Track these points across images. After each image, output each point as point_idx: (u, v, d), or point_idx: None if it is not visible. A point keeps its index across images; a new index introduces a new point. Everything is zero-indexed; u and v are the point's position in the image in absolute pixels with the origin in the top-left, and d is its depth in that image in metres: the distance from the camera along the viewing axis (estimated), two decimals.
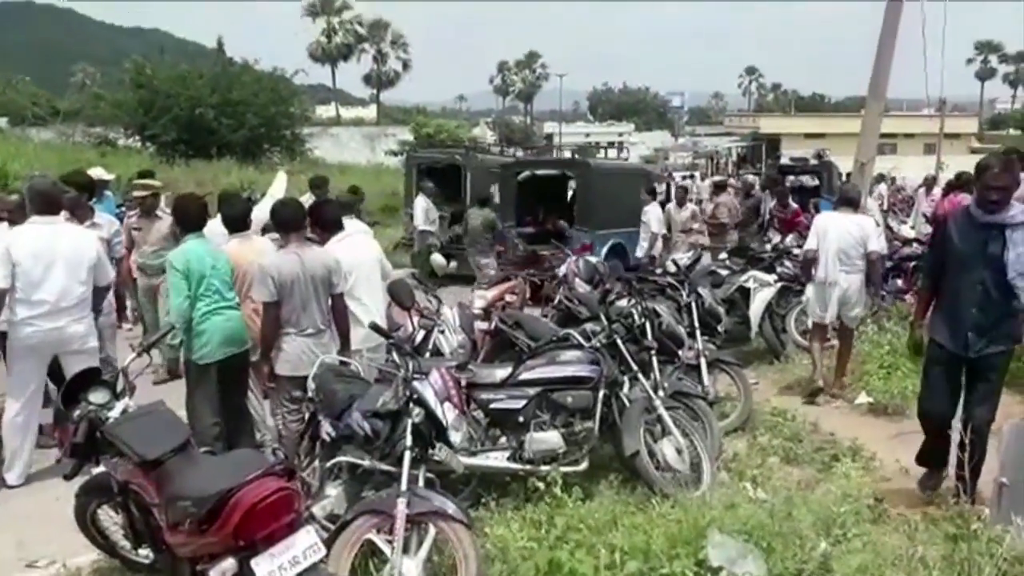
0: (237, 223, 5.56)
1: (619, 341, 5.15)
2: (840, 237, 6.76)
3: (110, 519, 3.91)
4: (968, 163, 26.52)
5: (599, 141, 65.48)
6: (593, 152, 58.50)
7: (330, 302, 5.01)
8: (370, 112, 70.72)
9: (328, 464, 4.01)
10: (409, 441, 3.77)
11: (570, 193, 14.44)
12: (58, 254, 5.15)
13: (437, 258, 10.06)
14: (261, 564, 2.83)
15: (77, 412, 3.50)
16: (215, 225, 5.57)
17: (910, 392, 6.44)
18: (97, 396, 3.61)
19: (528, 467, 4.70)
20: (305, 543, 2.95)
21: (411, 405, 3.83)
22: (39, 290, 5.09)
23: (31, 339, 5.15)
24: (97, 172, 11.07)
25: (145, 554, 3.73)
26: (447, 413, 3.97)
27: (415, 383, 3.92)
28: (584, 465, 4.77)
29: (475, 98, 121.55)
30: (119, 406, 3.59)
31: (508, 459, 4.76)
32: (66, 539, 4.24)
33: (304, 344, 4.83)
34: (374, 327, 4.42)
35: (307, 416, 4.84)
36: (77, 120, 33.21)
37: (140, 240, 7.75)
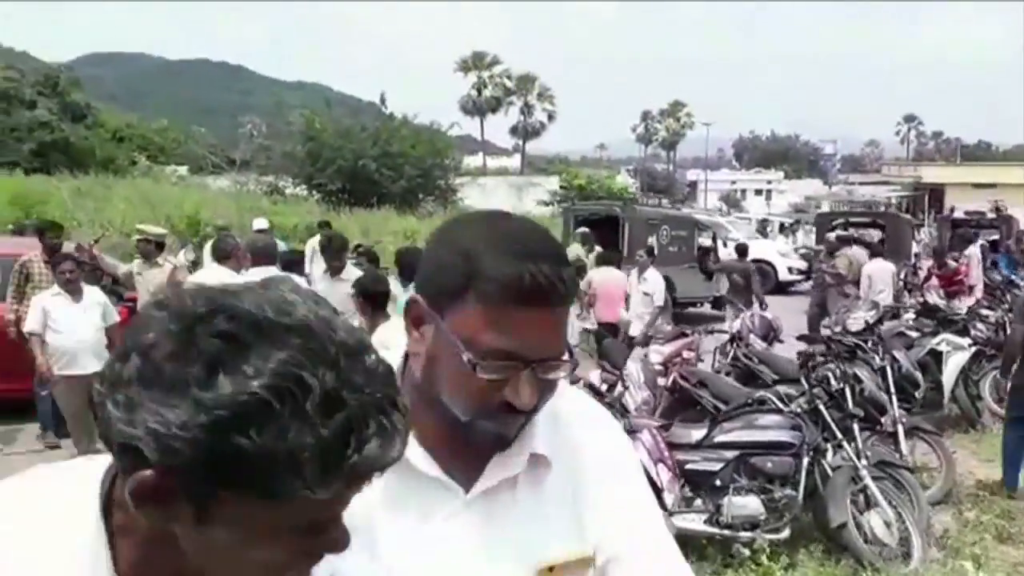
0: None
1: (821, 406, 4.99)
2: None
3: None
4: None
5: (745, 188, 64.14)
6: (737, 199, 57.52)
7: None
8: (513, 161, 72.42)
9: None
10: None
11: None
12: None
13: (626, 315, 10.03)
14: None
15: None
16: None
17: None
18: None
19: (727, 532, 4.61)
20: None
21: None
22: None
23: None
24: (258, 223, 11.94)
25: None
26: (661, 474, 3.97)
27: None
28: (786, 533, 4.63)
29: (616, 146, 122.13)
30: None
31: (705, 522, 4.69)
32: None
33: None
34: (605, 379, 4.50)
35: None
36: (249, 170, 35.96)
37: (142, 288, 7.36)
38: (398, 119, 32.38)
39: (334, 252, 6.86)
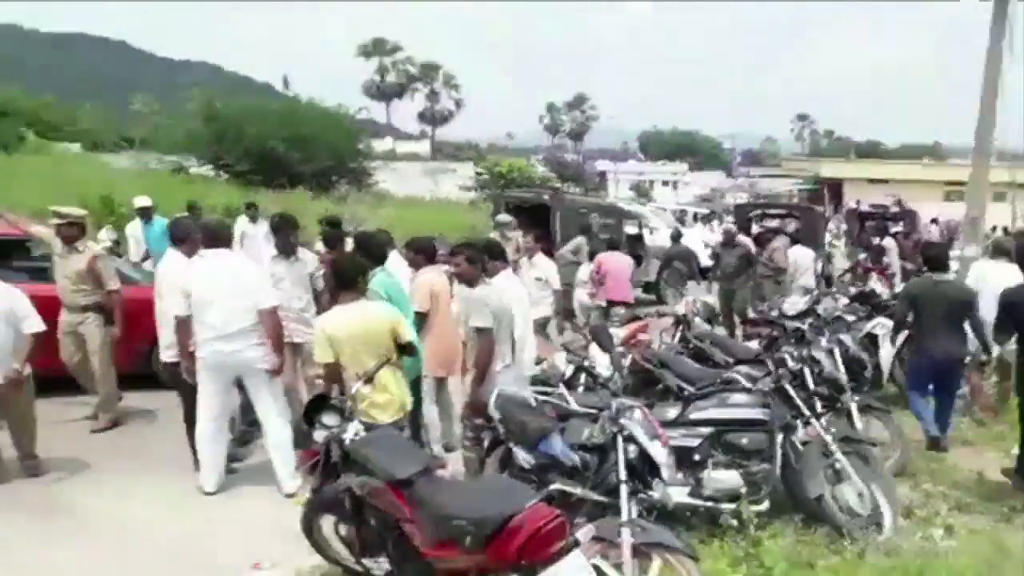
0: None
1: (787, 386, 5.15)
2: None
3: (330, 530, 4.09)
4: None
5: (653, 179, 65.54)
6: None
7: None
8: (422, 147, 71.87)
9: (543, 493, 4.05)
10: (624, 475, 3.83)
11: None
12: (224, 283, 5.36)
13: (582, 295, 10.03)
14: None
15: (320, 434, 3.64)
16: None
17: None
18: (330, 419, 3.74)
19: (711, 504, 4.71)
20: (576, 566, 3.02)
21: (621, 440, 3.91)
22: (210, 316, 5.33)
23: (207, 361, 5.42)
24: (140, 200, 11.42)
25: (371, 564, 3.89)
26: (657, 450, 4.03)
27: (624, 420, 4.01)
28: (766, 504, 4.77)
29: (524, 135, 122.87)
30: (351, 428, 3.71)
31: (689, 495, 4.76)
32: (271, 543, 4.61)
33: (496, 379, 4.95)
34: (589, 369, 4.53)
35: (487, 443, 4.95)
36: (147, 148, 34.30)
37: (59, 274, 6.94)
38: (304, 101, 31.76)
39: (288, 233, 6.61)
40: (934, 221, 21.98)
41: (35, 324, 5.53)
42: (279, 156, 27.17)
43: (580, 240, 12.23)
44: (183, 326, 5.38)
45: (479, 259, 5.27)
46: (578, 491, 4.00)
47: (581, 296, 10.65)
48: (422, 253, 6.53)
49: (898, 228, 17.02)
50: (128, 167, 28.24)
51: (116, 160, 31.26)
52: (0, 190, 14.38)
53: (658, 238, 16.89)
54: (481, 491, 3.34)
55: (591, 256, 10.99)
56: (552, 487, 3.98)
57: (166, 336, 5.83)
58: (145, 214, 11.24)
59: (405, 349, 4.79)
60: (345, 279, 4.78)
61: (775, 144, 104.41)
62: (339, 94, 61.84)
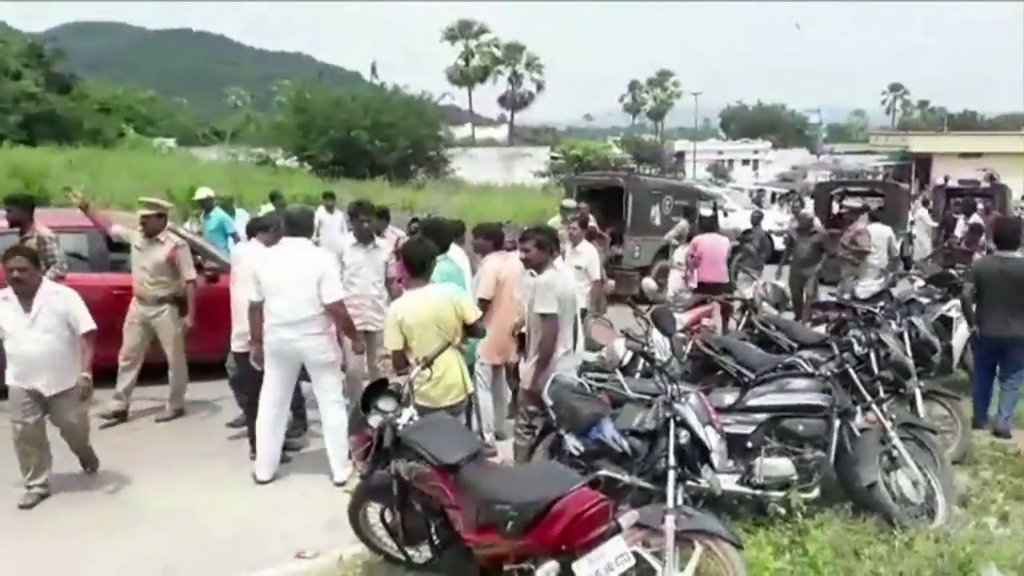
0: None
1: (851, 371, 5.12)
2: None
3: (376, 518, 4.25)
4: None
5: (732, 159, 64.10)
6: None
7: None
8: (500, 132, 72.07)
9: (589, 478, 4.18)
10: (673, 460, 3.92)
11: None
12: (293, 272, 5.55)
13: (649, 282, 10.08)
14: (582, 568, 3.05)
15: (375, 419, 3.85)
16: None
17: None
18: (386, 404, 3.96)
19: (760, 492, 4.76)
20: (616, 551, 3.14)
21: (674, 426, 3.98)
22: (276, 303, 5.55)
23: (271, 347, 5.63)
24: (201, 192, 11.78)
25: (414, 552, 4.04)
26: (710, 436, 4.09)
27: (678, 406, 4.07)
28: (816, 492, 4.79)
29: (602, 117, 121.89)
30: (406, 413, 3.92)
31: (738, 483, 4.83)
32: (318, 532, 4.78)
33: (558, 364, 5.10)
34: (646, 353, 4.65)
35: (538, 430, 5.09)
36: (238, 141, 35.62)
37: (137, 266, 7.02)
38: (389, 89, 32.31)
39: (364, 219, 6.87)
40: None
41: (88, 322, 5.26)
42: (362, 146, 27.74)
43: (683, 224, 12.24)
44: (255, 312, 5.56)
45: (548, 244, 5.38)
46: (625, 477, 4.09)
47: (675, 279, 10.67)
48: (490, 239, 6.73)
49: (985, 205, 16.30)
50: (214, 159, 29.45)
51: (206, 153, 32.65)
52: (97, 184, 15.28)
53: (733, 220, 16.67)
54: (527, 476, 3.49)
55: (689, 238, 10.96)
56: (598, 473, 4.10)
57: (238, 325, 6.07)
58: (205, 205, 11.54)
59: (472, 330, 5.01)
60: (413, 265, 4.99)
61: (864, 117, 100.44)
62: (424, 81, 62.53)
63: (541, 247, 5.21)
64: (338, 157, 27.86)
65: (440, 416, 3.93)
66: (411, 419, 3.90)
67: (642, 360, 6.17)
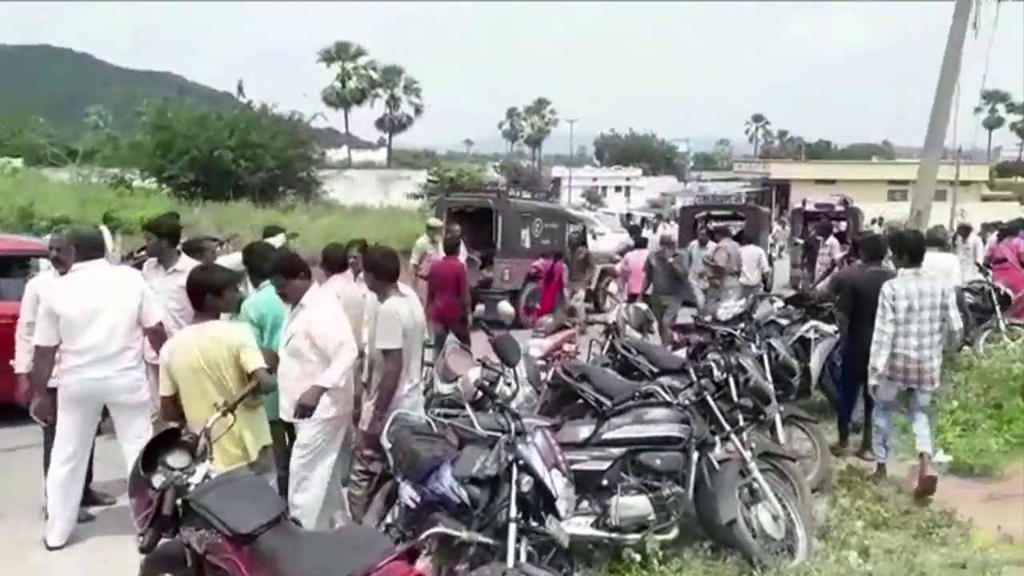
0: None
1: (710, 399, 4.86)
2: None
3: None
4: (981, 210, 26.84)
5: (606, 185, 65.83)
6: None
7: None
8: (379, 155, 71.15)
9: (422, 537, 3.67)
10: (514, 512, 3.47)
11: None
12: (101, 300, 4.86)
13: (505, 306, 9.74)
14: None
15: (159, 479, 3.21)
16: None
17: (996, 451, 6.17)
18: (176, 460, 3.33)
19: (615, 535, 4.39)
20: None
21: (517, 471, 3.54)
22: (82, 339, 4.81)
23: (72, 389, 4.85)
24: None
25: None
26: (555, 481, 3.67)
27: (520, 447, 3.64)
28: (675, 533, 4.46)
29: (482, 142, 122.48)
30: (200, 471, 3.30)
31: (592, 526, 4.45)
32: None
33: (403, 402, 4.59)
34: (478, 384, 4.20)
35: (376, 477, 4.57)
36: (93, 162, 33.34)
37: None
38: (257, 108, 31.11)
39: (162, 241, 5.94)
40: (875, 221, 22.11)
41: None
42: (226, 166, 26.48)
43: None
44: (45, 358, 4.78)
45: (382, 267, 4.86)
46: (463, 533, 3.61)
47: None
48: (326, 261, 6.20)
49: (840, 228, 17.07)
50: (66, 181, 27.39)
51: (58, 174, 30.33)
52: None
53: (603, 243, 16.69)
54: (333, 546, 2.94)
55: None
56: (430, 531, 3.60)
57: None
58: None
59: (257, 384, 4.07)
60: (194, 296, 4.32)
61: (729, 146, 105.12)
62: (300, 103, 60.80)
63: (376, 270, 4.73)
64: (200, 178, 26.49)
65: (239, 473, 3.34)
66: (207, 477, 3.29)
67: (499, 389, 5.77)
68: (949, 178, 35.89)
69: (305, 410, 4.44)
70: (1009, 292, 9.77)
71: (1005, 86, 76.31)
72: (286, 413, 4.68)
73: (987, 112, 79.55)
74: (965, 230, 15.24)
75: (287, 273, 4.75)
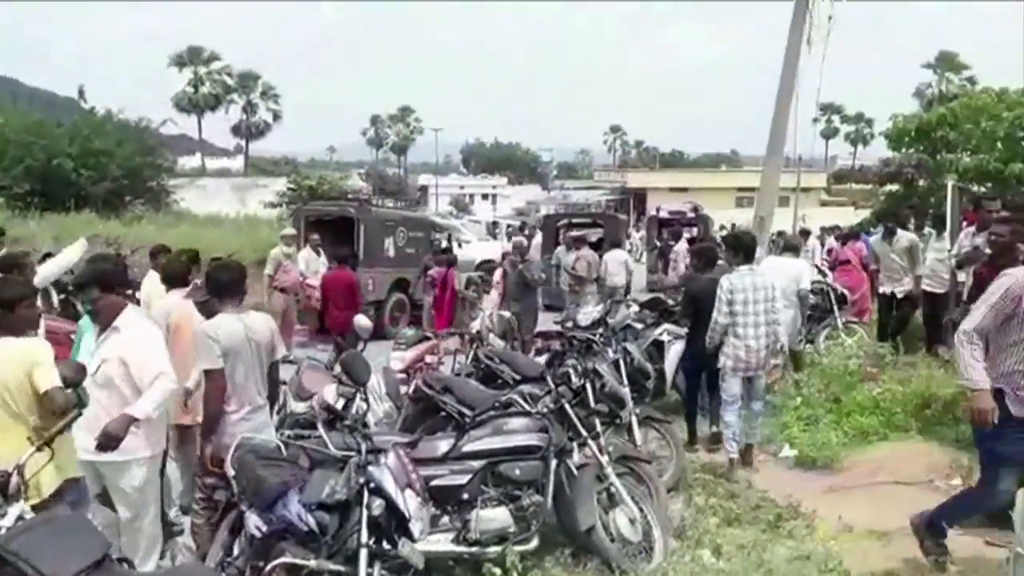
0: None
1: (567, 405, 4.88)
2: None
3: None
4: (820, 214, 28.89)
5: (473, 193, 66.26)
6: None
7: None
8: (236, 163, 68.65)
9: (268, 568, 3.46)
10: (365, 537, 3.33)
11: None
12: None
13: (361, 319, 9.49)
14: None
15: None
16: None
17: (836, 444, 6.53)
18: None
19: (476, 549, 4.32)
20: None
21: (367, 495, 3.40)
22: None
23: None
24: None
25: None
26: (408, 502, 3.55)
27: (371, 469, 3.49)
28: (535, 543, 4.45)
29: (346, 149, 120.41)
30: (12, 512, 2.98)
31: (452, 541, 4.37)
32: None
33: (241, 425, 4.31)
34: (324, 404, 4.01)
35: (221, 505, 4.30)
36: None
37: None
38: (100, 114, 29.34)
39: None
40: (722, 228, 23.29)
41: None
42: (66, 175, 24.81)
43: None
44: None
45: (212, 279, 4.59)
46: (311, 562, 3.44)
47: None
48: (167, 275, 5.85)
49: (692, 233, 17.89)
50: None
51: None
52: None
53: (468, 251, 16.69)
54: None
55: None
56: (276, 561, 3.41)
57: None
58: None
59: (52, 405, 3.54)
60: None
61: (589, 156, 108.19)
62: (150, 109, 57.57)
63: (208, 284, 4.47)
64: (37, 188, 24.66)
65: (58, 512, 3.04)
66: (20, 518, 2.97)
67: (355, 408, 5.59)
68: (791, 185, 38.48)
69: (110, 439, 3.87)
70: (847, 292, 10.48)
71: (839, 99, 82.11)
72: (89, 452, 3.98)
73: (823, 123, 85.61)
74: (805, 234, 16.28)
75: (104, 286, 4.23)
